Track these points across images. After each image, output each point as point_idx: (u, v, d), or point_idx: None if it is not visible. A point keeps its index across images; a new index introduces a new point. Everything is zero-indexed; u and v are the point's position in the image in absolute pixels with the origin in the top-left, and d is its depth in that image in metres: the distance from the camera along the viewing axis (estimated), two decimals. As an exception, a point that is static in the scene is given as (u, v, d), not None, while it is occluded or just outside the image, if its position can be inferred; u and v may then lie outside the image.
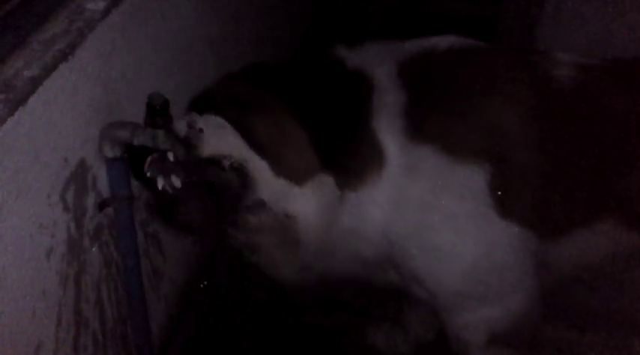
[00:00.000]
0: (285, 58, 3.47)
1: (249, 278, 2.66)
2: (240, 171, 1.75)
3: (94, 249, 1.81)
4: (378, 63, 2.00)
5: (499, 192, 1.88)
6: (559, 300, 2.37)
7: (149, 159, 1.65)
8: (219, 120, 1.76)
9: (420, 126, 1.90)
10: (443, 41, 2.03)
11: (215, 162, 1.71)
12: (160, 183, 1.65)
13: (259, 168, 1.78)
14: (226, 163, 1.72)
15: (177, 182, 1.64)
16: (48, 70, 1.51)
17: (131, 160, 1.75)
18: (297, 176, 1.83)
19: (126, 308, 2.04)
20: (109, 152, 1.73)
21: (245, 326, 2.69)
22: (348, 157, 1.90)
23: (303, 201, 1.83)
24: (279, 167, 1.80)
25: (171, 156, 1.64)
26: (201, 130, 1.67)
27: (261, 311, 2.73)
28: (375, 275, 2.11)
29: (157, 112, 1.65)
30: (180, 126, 1.66)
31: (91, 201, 1.77)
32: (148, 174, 1.65)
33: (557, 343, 2.61)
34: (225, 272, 2.73)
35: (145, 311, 2.07)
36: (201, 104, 1.85)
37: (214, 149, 1.70)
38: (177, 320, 2.45)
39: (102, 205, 1.81)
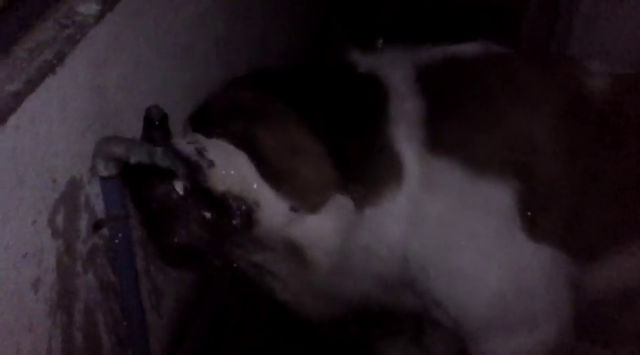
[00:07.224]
0: (297, 51, 3.34)
1: (255, 289, 2.53)
2: (246, 217, 1.64)
3: (88, 273, 1.68)
4: (395, 67, 1.89)
5: (528, 211, 1.76)
6: (584, 316, 2.25)
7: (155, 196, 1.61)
8: (228, 147, 1.65)
9: (440, 136, 1.79)
10: (466, 47, 1.91)
11: (222, 199, 1.61)
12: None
13: (267, 203, 1.65)
14: (234, 206, 1.62)
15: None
16: (33, 84, 1.37)
17: (127, 179, 1.62)
18: (312, 198, 1.69)
19: (124, 331, 1.91)
20: (103, 170, 1.60)
21: (252, 341, 2.57)
22: (364, 169, 1.78)
23: (318, 227, 1.70)
24: (291, 188, 1.66)
25: (180, 189, 1.58)
26: (212, 163, 1.58)
27: (268, 325, 2.61)
28: (392, 298, 1.98)
29: (156, 127, 1.54)
30: (188, 151, 1.57)
31: (83, 222, 1.64)
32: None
33: (581, 358, 2.50)
34: (231, 284, 2.60)
35: (145, 332, 1.97)
36: (202, 119, 1.72)
37: (226, 186, 1.61)
38: (181, 337, 2.33)
39: (97, 226, 1.68)
